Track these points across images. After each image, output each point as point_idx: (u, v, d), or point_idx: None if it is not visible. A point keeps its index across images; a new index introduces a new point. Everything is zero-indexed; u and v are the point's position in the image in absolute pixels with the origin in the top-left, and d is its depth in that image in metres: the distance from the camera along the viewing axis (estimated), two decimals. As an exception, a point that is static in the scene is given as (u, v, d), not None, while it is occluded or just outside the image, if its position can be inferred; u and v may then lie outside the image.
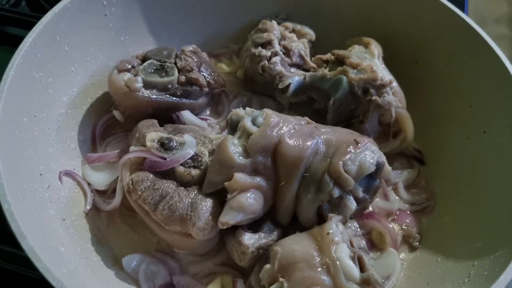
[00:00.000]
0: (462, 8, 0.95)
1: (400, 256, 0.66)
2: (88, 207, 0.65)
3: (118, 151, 0.69)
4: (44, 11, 0.67)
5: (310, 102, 0.77)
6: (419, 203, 0.71)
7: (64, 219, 0.60)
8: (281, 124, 0.61)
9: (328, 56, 0.76)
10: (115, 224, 0.65)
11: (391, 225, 0.67)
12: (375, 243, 0.67)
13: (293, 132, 0.61)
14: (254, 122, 0.61)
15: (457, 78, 0.73)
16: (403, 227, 0.69)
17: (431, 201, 0.71)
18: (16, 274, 0.64)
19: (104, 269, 0.60)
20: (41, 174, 0.61)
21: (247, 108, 0.63)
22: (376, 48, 0.73)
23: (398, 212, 0.70)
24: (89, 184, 0.67)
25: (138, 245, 0.64)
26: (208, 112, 0.78)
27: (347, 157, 0.59)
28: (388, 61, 0.76)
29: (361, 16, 0.82)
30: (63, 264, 0.52)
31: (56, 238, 0.56)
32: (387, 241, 0.66)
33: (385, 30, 0.80)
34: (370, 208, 0.69)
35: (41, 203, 0.58)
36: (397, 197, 0.71)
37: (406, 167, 0.75)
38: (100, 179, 0.68)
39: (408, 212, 0.70)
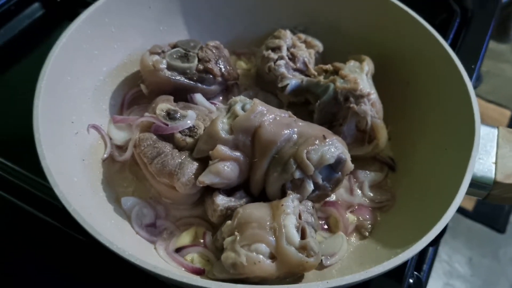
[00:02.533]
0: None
1: (351, 241, 0.77)
2: (105, 156, 0.81)
3: (138, 117, 0.85)
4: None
5: (307, 104, 0.89)
6: (379, 202, 0.81)
7: (83, 160, 0.77)
8: (264, 112, 0.74)
9: (328, 66, 0.88)
10: (123, 172, 0.81)
11: (346, 215, 0.79)
12: (331, 227, 0.79)
13: (273, 121, 0.74)
14: (243, 108, 0.75)
15: (435, 102, 0.83)
16: (359, 218, 0.80)
17: (390, 202, 0.81)
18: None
19: (106, 203, 0.75)
20: (72, 122, 0.77)
21: (240, 96, 0.77)
22: (367, 65, 0.84)
23: (358, 206, 0.81)
24: (110, 139, 0.83)
25: (137, 191, 0.79)
26: (220, 99, 0.93)
27: (311, 147, 0.71)
28: (383, 79, 0.88)
29: (366, 37, 0.93)
30: (72, 188, 0.68)
31: (73, 170, 0.72)
32: (339, 226, 0.78)
33: (384, 52, 0.91)
34: (334, 198, 0.81)
35: (66, 143, 0.74)
36: (361, 193, 0.82)
37: (377, 170, 0.85)
38: (120, 136, 0.84)
39: (367, 207, 0.81)
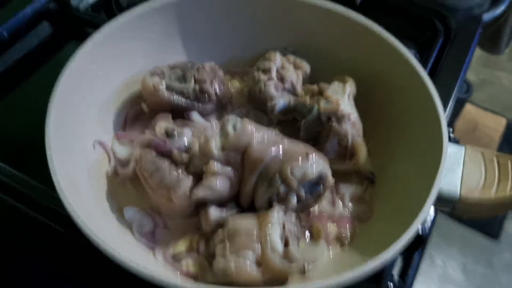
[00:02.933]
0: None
1: (332, 249, 0.85)
2: (109, 169, 0.89)
3: (140, 133, 0.93)
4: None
5: (295, 122, 0.97)
6: (358, 213, 0.88)
7: (89, 172, 0.84)
8: (254, 132, 0.82)
9: (314, 86, 0.96)
10: (125, 184, 0.88)
11: (328, 225, 0.86)
12: (313, 235, 0.86)
13: (261, 140, 0.81)
14: (234, 127, 0.83)
15: (410, 123, 0.90)
16: (339, 228, 0.87)
17: (368, 213, 0.88)
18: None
19: (109, 213, 0.82)
20: (80, 139, 0.85)
21: (231, 116, 0.85)
22: (349, 87, 0.92)
23: (339, 216, 0.88)
24: (114, 153, 0.91)
25: (138, 202, 0.86)
26: (215, 116, 1.00)
27: (295, 164, 0.79)
28: (365, 99, 0.95)
29: (351, 62, 1.00)
30: (79, 200, 0.75)
31: (80, 183, 0.80)
32: (321, 235, 0.85)
33: (368, 74, 0.97)
34: (317, 209, 0.88)
35: (74, 158, 0.82)
36: (342, 205, 0.90)
37: (358, 184, 0.92)
38: (123, 151, 0.91)
39: (348, 218, 0.88)
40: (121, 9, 1.28)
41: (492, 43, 1.90)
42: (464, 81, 1.90)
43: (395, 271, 1.15)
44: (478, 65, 3.33)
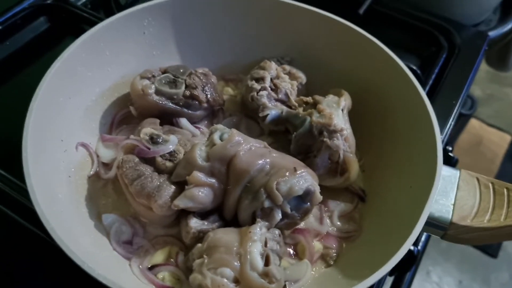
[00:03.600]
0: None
1: (316, 268, 0.82)
2: (92, 172, 0.86)
3: (125, 137, 0.90)
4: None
5: (287, 133, 0.94)
6: (346, 232, 0.85)
7: (69, 176, 0.82)
8: (241, 142, 0.79)
9: (308, 98, 0.93)
10: (107, 190, 0.85)
11: (313, 243, 0.83)
12: (298, 254, 0.83)
13: (248, 151, 0.78)
14: (221, 137, 0.80)
15: (405, 141, 0.87)
16: (325, 247, 0.84)
17: (357, 232, 0.85)
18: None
19: (87, 219, 0.80)
20: (62, 140, 0.82)
21: (219, 125, 0.82)
22: (344, 101, 0.88)
23: (326, 234, 0.85)
24: (98, 156, 0.88)
25: (118, 208, 0.83)
26: (206, 123, 0.97)
27: (281, 179, 0.76)
28: (361, 113, 0.92)
29: (348, 74, 0.97)
30: (55, 204, 0.73)
31: (58, 186, 0.77)
32: (305, 254, 0.82)
33: (364, 88, 0.95)
34: (303, 225, 0.85)
35: (54, 160, 0.79)
36: (329, 223, 0.87)
37: (348, 201, 0.89)
38: (107, 154, 0.89)
39: (335, 236, 0.85)
40: (120, 8, 1.26)
41: (500, 60, 1.86)
42: (469, 97, 1.86)
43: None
44: (485, 80, 3.29)
